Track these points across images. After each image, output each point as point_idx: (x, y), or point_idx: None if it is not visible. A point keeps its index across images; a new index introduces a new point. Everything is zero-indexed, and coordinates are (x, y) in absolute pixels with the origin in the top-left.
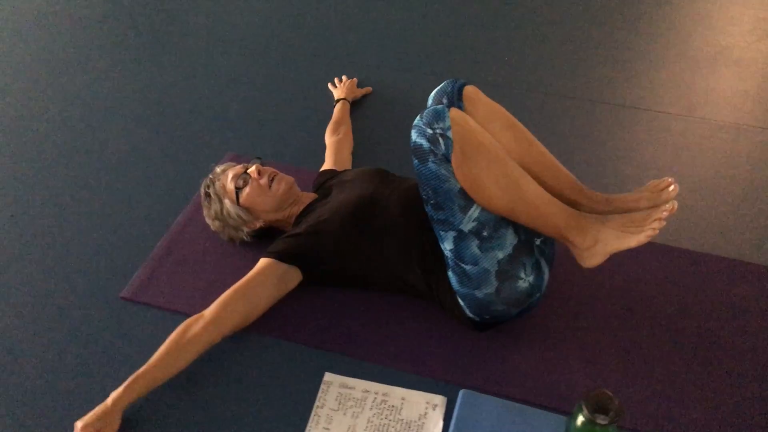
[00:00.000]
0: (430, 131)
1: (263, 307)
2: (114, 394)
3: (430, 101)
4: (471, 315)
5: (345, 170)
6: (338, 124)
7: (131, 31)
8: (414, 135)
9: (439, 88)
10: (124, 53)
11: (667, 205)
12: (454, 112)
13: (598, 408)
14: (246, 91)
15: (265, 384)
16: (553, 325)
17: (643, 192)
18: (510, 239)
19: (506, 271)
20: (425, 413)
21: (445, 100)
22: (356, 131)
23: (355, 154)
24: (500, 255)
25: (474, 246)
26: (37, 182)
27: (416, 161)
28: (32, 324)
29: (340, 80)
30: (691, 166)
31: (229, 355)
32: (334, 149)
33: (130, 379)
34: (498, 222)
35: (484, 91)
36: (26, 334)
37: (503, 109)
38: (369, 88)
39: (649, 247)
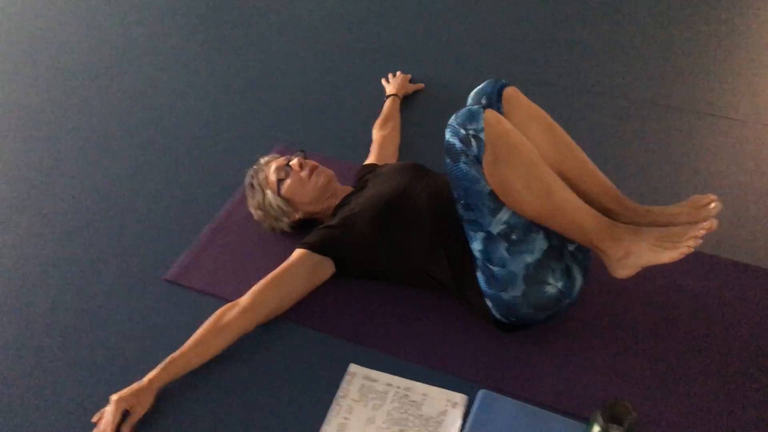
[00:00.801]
0: (463, 132)
1: (297, 296)
2: (150, 375)
3: (469, 101)
4: (498, 316)
5: (384, 164)
6: (387, 119)
7: (191, 25)
8: (447, 134)
9: (479, 87)
10: (182, 46)
11: (706, 223)
12: (489, 113)
13: (613, 418)
14: (299, 84)
15: (290, 370)
16: (581, 330)
17: (683, 206)
18: (540, 244)
19: (534, 276)
20: (445, 410)
21: (484, 101)
22: (405, 127)
23: (402, 150)
24: (529, 259)
25: (502, 249)
26: (96, 167)
27: (448, 160)
28: (77, 302)
29: (395, 75)
30: (750, 173)
31: (257, 340)
32: (380, 144)
33: (165, 361)
34: (528, 226)
35: (537, 91)
36: (71, 310)
37: (543, 112)
38: (421, 84)
39: (695, 256)
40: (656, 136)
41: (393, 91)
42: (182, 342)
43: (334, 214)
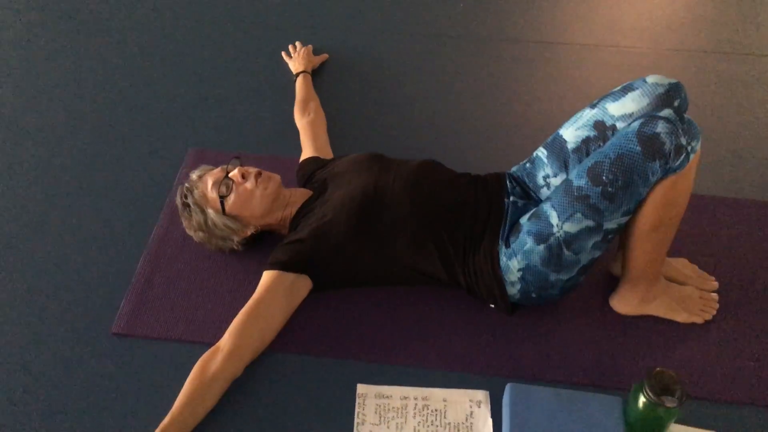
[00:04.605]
0: (683, 140)
1: (279, 323)
2: None
3: (656, 86)
4: (515, 293)
5: (333, 160)
6: (305, 101)
7: (44, 21)
8: (661, 127)
9: (673, 83)
10: (39, 48)
11: (714, 307)
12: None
13: (663, 390)
14: (194, 77)
15: (296, 406)
16: (589, 302)
17: (694, 272)
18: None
19: (587, 269)
20: (471, 412)
21: (677, 103)
22: (324, 108)
23: (332, 136)
24: (597, 254)
25: (591, 241)
26: None
27: (639, 149)
28: (18, 379)
29: (295, 48)
30: None
31: (253, 381)
32: (311, 133)
33: (157, 430)
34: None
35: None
36: (14, 391)
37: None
38: (325, 55)
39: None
40: (531, 70)
41: (301, 68)
42: (159, 401)
43: (294, 225)
